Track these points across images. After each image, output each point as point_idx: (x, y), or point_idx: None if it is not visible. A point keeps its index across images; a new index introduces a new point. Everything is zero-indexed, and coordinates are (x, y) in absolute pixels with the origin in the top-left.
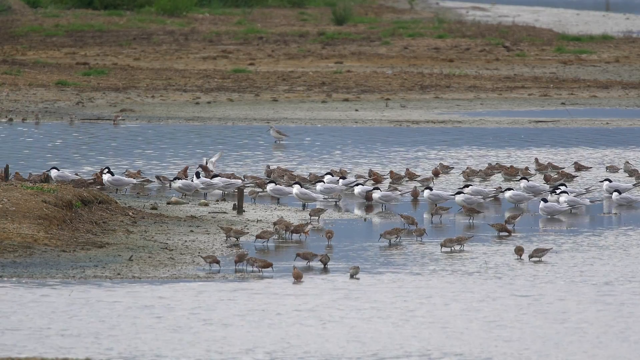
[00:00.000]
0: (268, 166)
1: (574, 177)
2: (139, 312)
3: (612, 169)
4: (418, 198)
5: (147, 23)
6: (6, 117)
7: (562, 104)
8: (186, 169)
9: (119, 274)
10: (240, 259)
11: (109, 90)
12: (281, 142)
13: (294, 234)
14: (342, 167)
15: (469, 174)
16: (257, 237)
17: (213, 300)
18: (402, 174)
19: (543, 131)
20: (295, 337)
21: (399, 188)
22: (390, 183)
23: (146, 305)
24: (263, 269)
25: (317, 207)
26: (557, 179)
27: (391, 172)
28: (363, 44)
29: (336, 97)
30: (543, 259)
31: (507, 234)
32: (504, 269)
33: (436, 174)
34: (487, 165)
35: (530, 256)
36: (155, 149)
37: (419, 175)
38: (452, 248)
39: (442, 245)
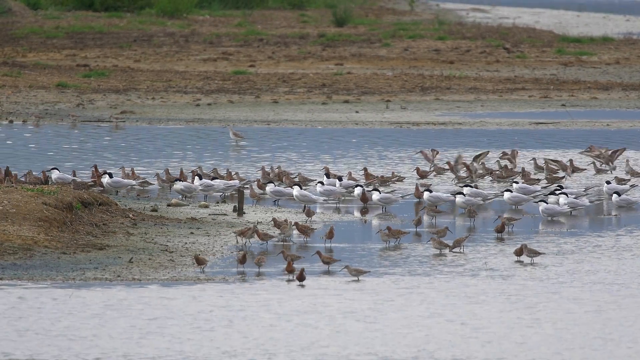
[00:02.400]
0: (263, 167)
1: (561, 178)
2: (138, 314)
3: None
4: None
5: (147, 25)
6: (7, 118)
7: (563, 105)
8: (181, 171)
9: (119, 276)
10: (242, 260)
11: (109, 92)
12: (239, 143)
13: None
14: (343, 168)
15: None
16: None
17: (213, 302)
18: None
19: (543, 133)
20: (297, 338)
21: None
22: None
23: (146, 307)
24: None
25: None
26: (531, 179)
27: (381, 176)
28: (363, 45)
29: (336, 98)
30: (537, 260)
31: (503, 234)
32: (503, 271)
33: (422, 175)
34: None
35: (519, 253)
36: (156, 151)
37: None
38: (442, 250)
39: (432, 240)
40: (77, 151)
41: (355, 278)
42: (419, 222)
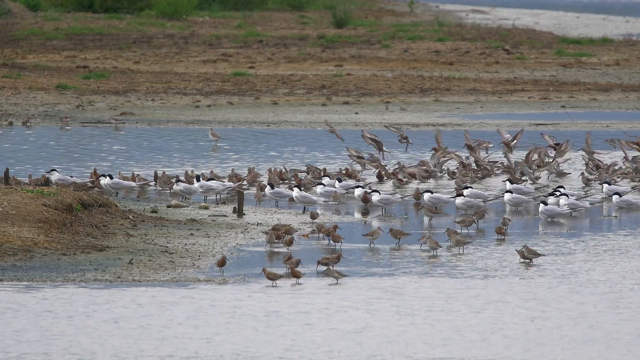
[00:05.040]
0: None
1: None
2: (138, 315)
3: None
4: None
5: (147, 26)
6: (6, 120)
7: (562, 106)
8: (164, 173)
9: (119, 277)
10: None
11: (109, 93)
12: (218, 143)
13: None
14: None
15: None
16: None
17: (213, 303)
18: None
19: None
20: (297, 341)
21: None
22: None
23: (146, 308)
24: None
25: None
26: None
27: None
28: (363, 47)
29: (336, 100)
30: (537, 261)
31: (502, 236)
32: (504, 272)
33: (380, 177)
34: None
35: (523, 255)
36: (155, 153)
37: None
38: (436, 251)
39: (427, 243)
40: (76, 153)
41: (338, 280)
42: (470, 223)
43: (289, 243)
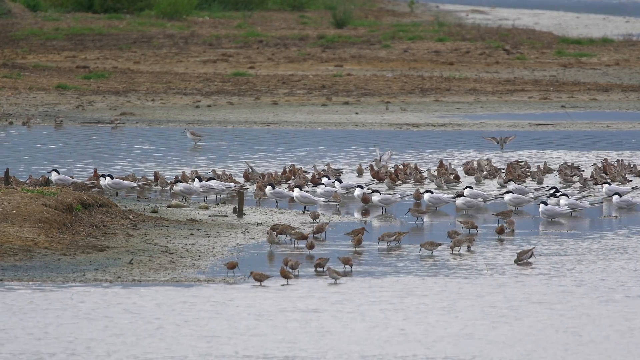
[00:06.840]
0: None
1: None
2: (138, 315)
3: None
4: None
5: (147, 26)
6: (6, 120)
7: (563, 107)
8: (157, 174)
9: (119, 277)
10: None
11: (109, 93)
12: (198, 142)
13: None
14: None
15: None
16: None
17: (214, 303)
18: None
19: (543, 134)
20: (298, 340)
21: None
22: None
23: (146, 309)
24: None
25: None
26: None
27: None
28: (363, 47)
29: (336, 100)
30: (531, 260)
31: (502, 236)
32: (505, 272)
33: (393, 179)
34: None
35: (516, 261)
36: (155, 153)
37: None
38: (433, 252)
39: (421, 246)
40: (76, 153)
41: (337, 280)
42: (471, 225)
43: (311, 247)
